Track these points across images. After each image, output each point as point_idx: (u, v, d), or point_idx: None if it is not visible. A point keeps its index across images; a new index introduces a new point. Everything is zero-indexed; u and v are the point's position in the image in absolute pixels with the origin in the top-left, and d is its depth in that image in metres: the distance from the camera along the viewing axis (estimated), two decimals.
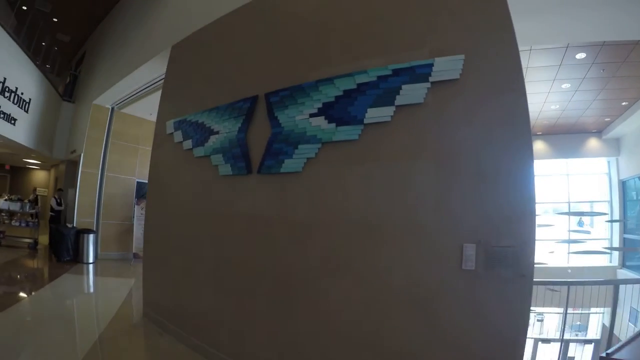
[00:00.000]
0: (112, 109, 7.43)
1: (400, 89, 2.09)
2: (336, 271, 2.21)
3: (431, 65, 1.99)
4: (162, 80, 4.55)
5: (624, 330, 5.26)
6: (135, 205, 7.12)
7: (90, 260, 6.62)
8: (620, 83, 5.54)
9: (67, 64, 10.42)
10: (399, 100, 2.09)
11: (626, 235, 7.26)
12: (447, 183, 1.90)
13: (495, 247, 1.72)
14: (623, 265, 7.13)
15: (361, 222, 2.15)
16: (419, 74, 2.03)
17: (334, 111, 2.33)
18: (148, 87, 5.84)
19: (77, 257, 6.56)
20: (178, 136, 3.51)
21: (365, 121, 2.20)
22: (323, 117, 2.37)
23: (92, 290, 5.37)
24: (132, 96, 6.54)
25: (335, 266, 2.22)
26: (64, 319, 3.66)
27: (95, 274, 6.17)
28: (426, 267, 1.90)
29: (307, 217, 2.37)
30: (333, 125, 2.32)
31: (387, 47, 2.21)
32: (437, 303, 1.86)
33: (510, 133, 1.81)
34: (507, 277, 1.70)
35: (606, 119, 7.03)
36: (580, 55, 5.00)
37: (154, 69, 5.10)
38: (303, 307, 2.33)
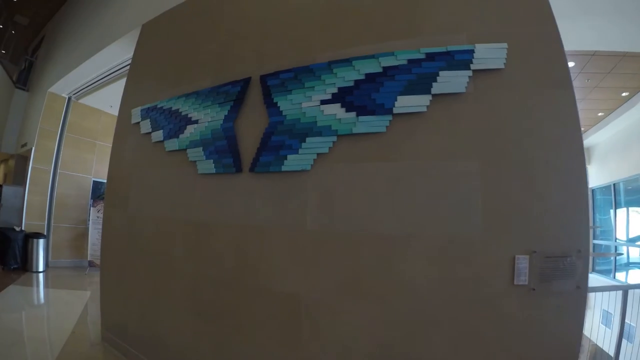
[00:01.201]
0: (69, 98, 6.39)
1: (438, 75, 1.70)
2: (357, 294, 1.70)
3: (472, 51, 1.66)
4: (128, 66, 3.82)
5: (594, 332, 5.22)
6: (91, 207, 6.12)
7: (40, 268, 5.62)
8: (601, 94, 5.47)
9: (24, 49, 9.03)
10: (436, 88, 1.69)
11: (595, 241, 7.35)
12: (495, 185, 1.56)
13: (551, 258, 1.49)
14: (593, 269, 7.22)
15: (389, 233, 1.67)
16: (458, 60, 1.68)
17: (353, 98, 1.81)
18: (111, 74, 4.97)
19: (25, 265, 5.52)
20: (146, 126, 2.80)
21: (395, 111, 1.73)
22: (339, 105, 1.83)
23: (42, 305, 4.42)
24: (93, 84, 5.59)
25: (354, 288, 1.71)
26: (10, 343, 2.84)
27: (46, 285, 5.19)
28: (472, 285, 1.53)
29: (317, 227, 1.81)
30: (353, 114, 1.79)
31: (417, 29, 1.81)
32: (485, 327, 1.50)
33: (560, 131, 1.55)
34: (562, 291, 1.47)
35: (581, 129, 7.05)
36: (570, 64, 4.84)
37: (120, 53, 4.29)
38: (313, 338, 1.77)
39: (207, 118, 2.34)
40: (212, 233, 2.17)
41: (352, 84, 1.83)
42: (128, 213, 2.74)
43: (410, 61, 1.76)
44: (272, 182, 1.95)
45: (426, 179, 1.66)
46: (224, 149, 2.17)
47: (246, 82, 2.17)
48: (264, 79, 2.09)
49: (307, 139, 1.85)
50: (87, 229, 6.15)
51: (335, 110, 1.82)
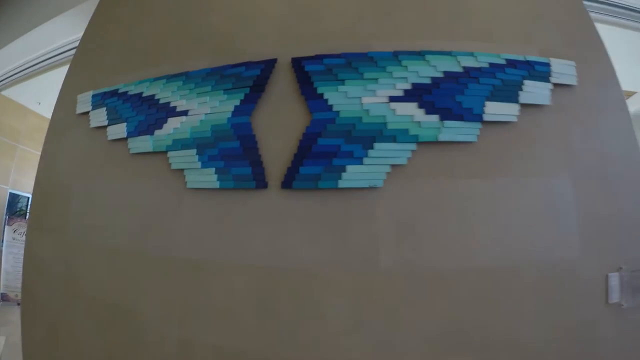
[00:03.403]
0: None
1: (523, 84, 1.34)
2: (456, 347, 1.15)
3: (548, 64, 1.37)
4: (70, 50, 2.70)
5: None
6: (5, 226, 4.30)
7: None
8: None
9: None
10: (523, 97, 1.33)
11: None
12: (584, 201, 1.30)
13: (636, 272, 1.35)
14: None
15: (489, 266, 1.19)
16: (538, 71, 1.37)
17: (433, 98, 1.27)
18: (49, 58, 3.52)
19: None
20: (98, 117, 1.80)
21: (485, 118, 1.28)
22: (416, 105, 1.24)
23: None
24: (23, 71, 3.95)
25: (453, 340, 1.16)
26: None
27: None
28: (573, 311, 1.22)
29: (395, 265, 1.19)
30: (435, 117, 1.24)
31: (492, 34, 1.45)
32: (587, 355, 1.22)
33: (624, 148, 1.41)
34: None
35: None
36: None
37: (64, 31, 3.05)
38: None
39: (203, 109, 1.51)
40: (213, 278, 1.31)
41: (429, 81, 1.29)
42: (66, 240, 1.65)
43: (492, 65, 1.35)
44: (321, 204, 1.23)
45: (523, 198, 1.25)
46: (236, 154, 1.37)
47: (270, 64, 1.44)
48: (299, 62, 1.39)
49: (375, 145, 1.21)
50: (0, 252, 4.26)
51: (412, 110, 1.24)
